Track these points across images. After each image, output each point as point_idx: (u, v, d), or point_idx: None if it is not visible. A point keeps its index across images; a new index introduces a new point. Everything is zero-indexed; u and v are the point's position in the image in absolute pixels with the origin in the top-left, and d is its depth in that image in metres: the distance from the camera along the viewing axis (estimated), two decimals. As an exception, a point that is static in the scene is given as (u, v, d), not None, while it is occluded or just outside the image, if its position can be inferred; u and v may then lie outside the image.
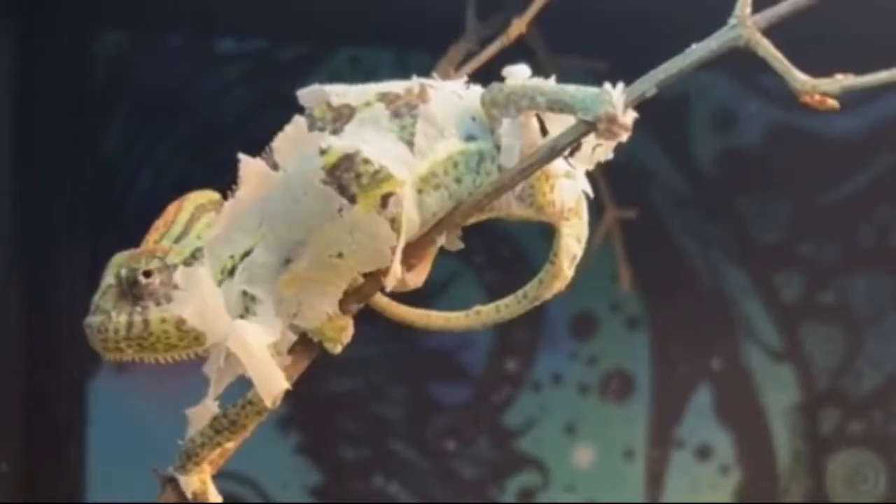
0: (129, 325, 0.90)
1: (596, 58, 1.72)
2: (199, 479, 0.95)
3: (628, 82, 2.15)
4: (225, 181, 2.17)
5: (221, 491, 2.17)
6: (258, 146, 2.20)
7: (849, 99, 2.37)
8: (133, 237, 2.08)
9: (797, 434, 2.18)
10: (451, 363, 2.10)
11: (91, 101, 2.10)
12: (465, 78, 0.96)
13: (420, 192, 0.91)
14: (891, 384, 2.19)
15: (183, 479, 0.94)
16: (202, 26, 2.10)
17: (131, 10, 2.02)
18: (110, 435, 2.09)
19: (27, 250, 2.05)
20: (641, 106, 2.20)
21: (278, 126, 2.26)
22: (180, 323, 0.90)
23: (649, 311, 2.16)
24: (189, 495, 0.94)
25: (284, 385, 0.91)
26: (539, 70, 1.43)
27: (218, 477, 0.97)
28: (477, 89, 0.95)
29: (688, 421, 2.17)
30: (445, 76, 1.27)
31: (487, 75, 1.27)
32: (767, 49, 0.88)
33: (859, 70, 0.86)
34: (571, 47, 1.70)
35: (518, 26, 1.21)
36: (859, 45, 1.81)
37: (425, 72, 2.15)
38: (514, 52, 1.47)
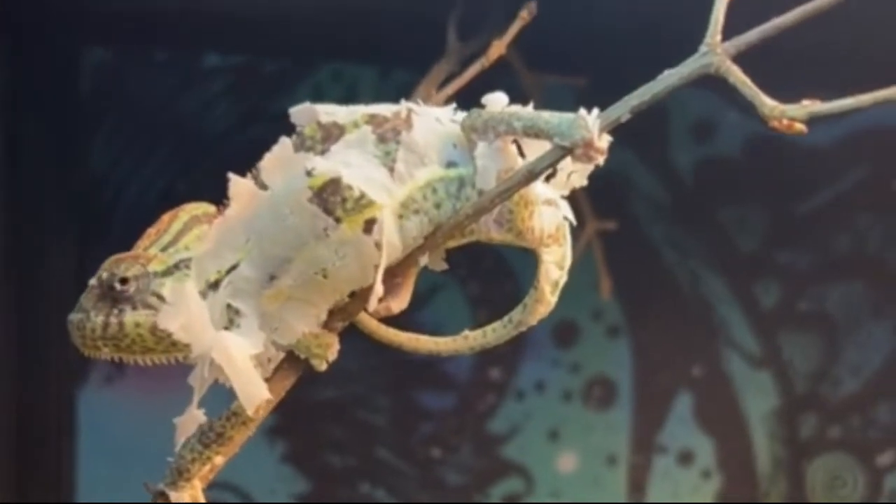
0: (105, 326, 0.93)
1: (575, 75, 1.74)
2: (190, 495, 0.97)
3: (607, 98, 2.18)
4: (211, 192, 2.20)
5: (209, 499, 2.20)
6: (243, 158, 2.22)
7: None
8: (120, 247, 2.10)
9: (776, 439, 2.21)
10: (435, 372, 2.13)
11: (79, 115, 2.12)
12: (454, 105, 0.99)
13: (400, 217, 0.93)
14: (868, 389, 2.22)
15: (174, 495, 0.97)
16: (187, 42, 2.13)
17: (118, 26, 2.04)
18: (100, 445, 2.11)
19: (16, 260, 2.07)
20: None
21: (262, 138, 2.29)
22: (154, 328, 0.92)
23: (630, 320, 2.19)
24: (180, 511, 0.97)
25: (266, 395, 0.94)
26: (519, 88, 1.46)
27: (206, 486, 1.00)
28: (461, 116, 0.97)
29: (669, 427, 2.20)
30: (427, 97, 1.31)
31: (469, 94, 1.30)
32: (737, 75, 0.91)
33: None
34: (551, 65, 1.72)
35: (498, 48, 1.24)
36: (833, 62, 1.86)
37: (407, 87, 2.19)
38: (495, 71, 1.50)
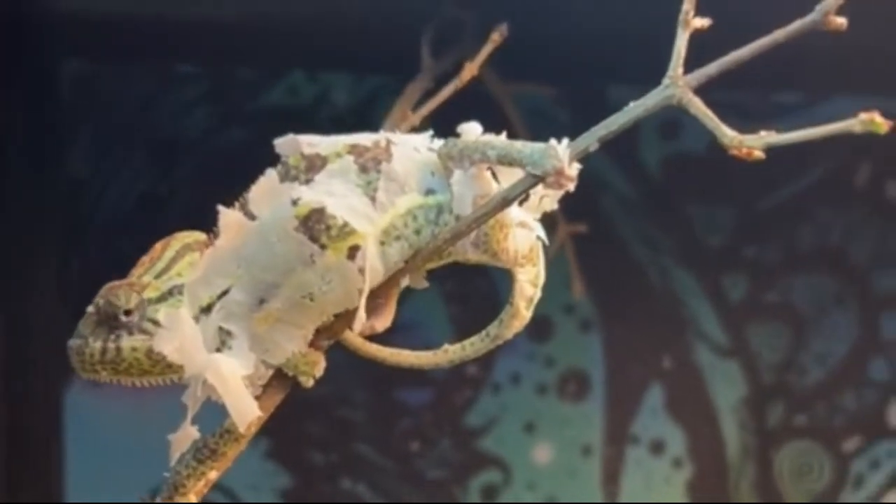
0: (104, 351, 0.98)
1: (544, 84, 1.79)
2: (186, 510, 1.03)
3: (576, 106, 2.26)
4: (188, 195, 2.24)
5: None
6: (219, 161, 2.27)
7: (789, 105, 2.48)
8: (100, 250, 2.15)
9: (745, 428, 2.26)
10: (411, 369, 2.17)
11: (59, 123, 2.16)
12: (431, 132, 1.04)
13: (382, 243, 0.99)
14: (833, 378, 2.28)
15: (170, 511, 1.02)
16: (163, 50, 2.16)
17: (95, 37, 2.07)
18: (87, 445, 2.15)
19: (0, 264, 2.10)
20: (590, 113, 2.28)
21: (239, 141, 2.33)
22: (150, 352, 0.98)
23: (602, 314, 2.24)
24: (176, 526, 1.02)
25: (257, 412, 1.00)
26: (489, 98, 1.51)
27: (200, 500, 1.05)
28: (437, 144, 1.03)
29: (641, 418, 2.25)
30: (403, 117, 1.36)
31: (443, 109, 1.35)
32: (698, 107, 0.97)
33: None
34: (520, 74, 1.77)
35: (470, 70, 1.28)
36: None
37: (379, 91, 2.24)
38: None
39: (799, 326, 2.28)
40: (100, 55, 2.17)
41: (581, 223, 1.94)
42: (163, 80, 2.19)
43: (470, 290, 2.16)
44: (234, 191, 2.26)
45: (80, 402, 2.14)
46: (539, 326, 2.21)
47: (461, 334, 2.18)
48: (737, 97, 2.17)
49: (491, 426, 2.22)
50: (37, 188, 2.14)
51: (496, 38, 1.27)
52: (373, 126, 2.21)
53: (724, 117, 0.96)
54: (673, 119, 2.24)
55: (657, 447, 2.25)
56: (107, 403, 2.13)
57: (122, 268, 2.20)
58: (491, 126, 1.23)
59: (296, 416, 2.12)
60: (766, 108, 2.23)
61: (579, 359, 2.24)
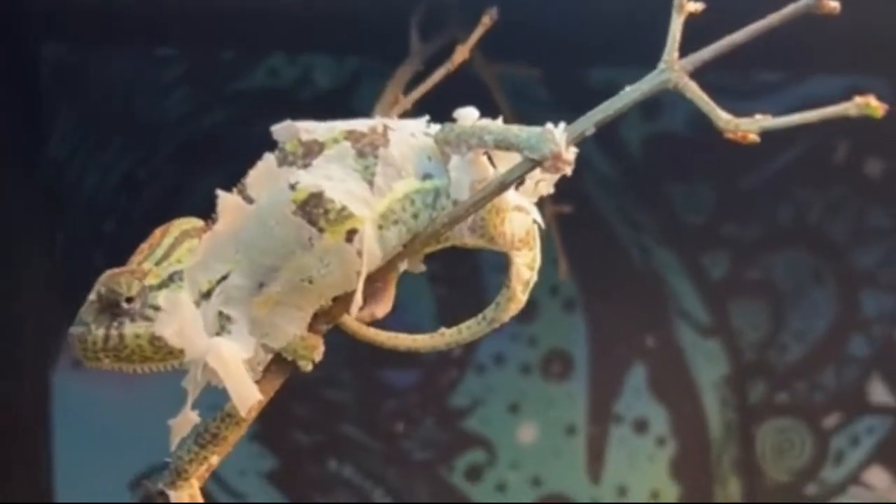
0: (106, 338, 0.98)
1: (530, 65, 1.80)
2: (189, 495, 1.03)
3: (562, 88, 2.26)
4: (169, 177, 2.23)
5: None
6: (200, 143, 2.27)
7: (768, 85, 2.50)
8: (82, 233, 2.14)
9: (727, 405, 2.28)
10: (397, 351, 2.18)
11: (38, 106, 2.16)
12: (427, 117, 1.04)
13: (380, 228, 1.00)
14: (813, 355, 2.29)
15: (173, 495, 1.03)
16: (143, 32, 2.16)
17: (75, 20, 2.06)
18: (75, 427, 2.15)
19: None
20: (572, 94, 2.30)
21: (219, 122, 2.32)
22: (154, 339, 0.98)
23: (585, 294, 2.25)
24: (179, 511, 1.03)
25: (258, 396, 1.01)
26: (477, 77, 1.51)
27: (202, 484, 1.06)
28: (434, 128, 1.03)
29: (625, 397, 2.26)
30: (394, 100, 1.36)
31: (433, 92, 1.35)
32: (694, 91, 0.98)
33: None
34: (507, 55, 1.77)
35: (461, 53, 1.29)
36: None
37: (360, 73, 2.22)
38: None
39: (779, 304, 2.29)
40: (79, 38, 2.16)
41: (564, 204, 1.95)
42: (143, 63, 2.19)
43: (455, 271, 2.17)
44: (214, 173, 2.27)
45: (67, 386, 2.14)
46: (523, 307, 2.21)
47: (446, 315, 2.20)
48: (717, 77, 2.19)
49: (476, 406, 2.24)
50: (18, 172, 2.14)
51: (486, 21, 1.27)
52: (354, 107, 2.23)
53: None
54: (654, 99, 2.24)
55: (641, 426, 2.27)
56: (95, 387, 2.13)
57: (103, 250, 2.21)
58: (477, 108, 1.24)
59: (281, 397, 2.11)
60: (747, 88, 2.24)
61: (563, 339, 2.25)
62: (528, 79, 1.93)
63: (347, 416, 2.21)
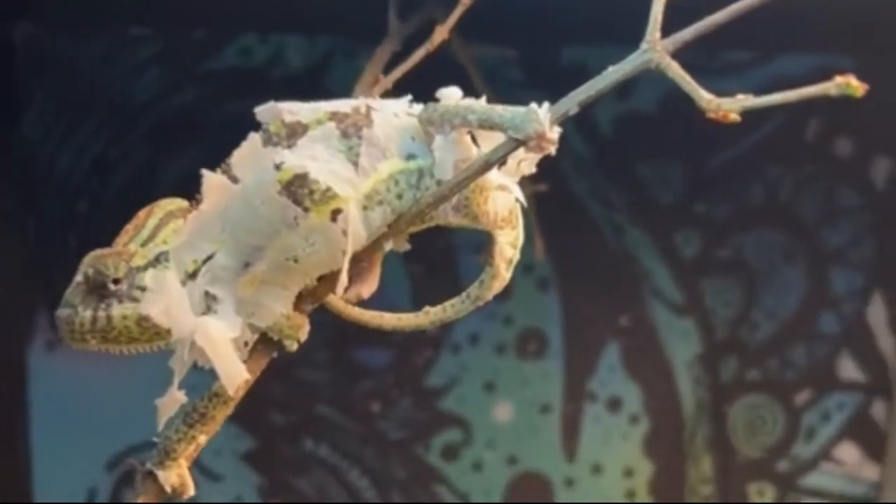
0: (94, 320, 0.99)
1: (506, 46, 1.80)
2: (177, 474, 1.04)
3: (535, 67, 2.26)
4: (141, 157, 2.22)
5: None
6: (173, 122, 2.26)
7: (737, 64, 2.52)
8: (54, 213, 2.13)
9: (700, 383, 2.30)
10: (372, 329, 2.19)
11: (11, 87, 2.14)
12: (409, 97, 1.05)
13: (365, 208, 1.00)
14: (783, 332, 2.31)
15: (161, 475, 1.04)
16: (115, 12, 2.15)
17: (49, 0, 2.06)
18: (53, 412, 2.15)
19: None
20: (546, 74, 2.30)
21: (192, 101, 2.31)
22: (141, 319, 0.99)
23: (559, 273, 2.26)
24: (168, 489, 1.03)
25: (246, 375, 1.02)
26: (453, 58, 1.51)
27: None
28: (417, 108, 1.04)
29: (599, 375, 2.28)
30: (374, 80, 1.37)
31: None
32: (676, 71, 0.99)
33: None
34: (481, 35, 1.77)
35: (441, 33, 1.29)
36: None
37: (332, 52, 2.21)
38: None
39: (750, 282, 2.31)
40: (52, 19, 2.15)
41: (538, 183, 1.96)
42: (115, 43, 2.18)
43: (429, 249, 2.18)
44: (187, 152, 2.26)
45: (43, 367, 2.14)
46: (500, 286, 2.22)
47: (420, 293, 2.20)
48: (687, 56, 2.20)
49: (451, 386, 2.25)
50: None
51: (466, 1, 1.28)
52: (327, 87, 2.22)
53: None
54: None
55: (615, 404, 2.28)
56: (71, 368, 2.13)
57: (77, 230, 2.20)
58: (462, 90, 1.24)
59: (256, 378, 2.12)
60: (716, 67, 2.25)
61: (537, 318, 2.26)
62: (503, 59, 1.93)
63: (323, 396, 2.22)
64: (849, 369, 2.32)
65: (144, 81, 2.19)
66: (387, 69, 1.38)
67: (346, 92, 2.16)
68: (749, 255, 2.31)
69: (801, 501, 2.33)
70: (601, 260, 2.27)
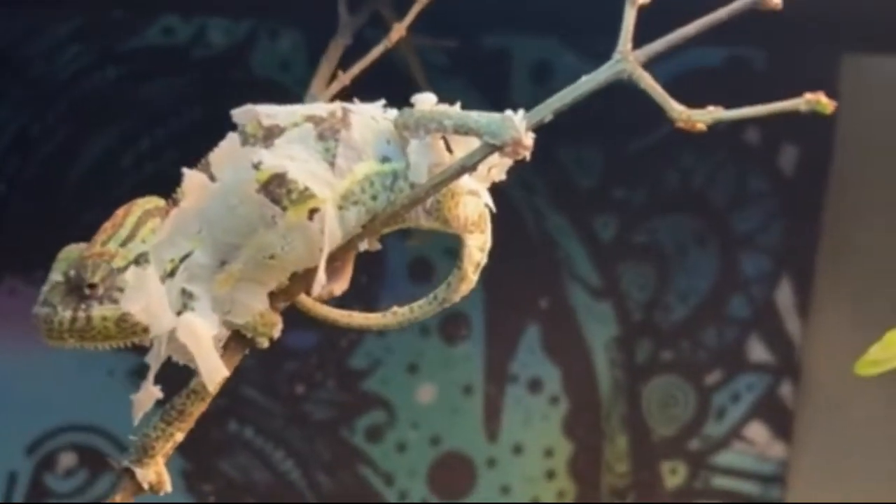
0: (73, 320, 1.00)
1: (447, 37, 1.82)
2: (155, 472, 1.06)
3: (460, 55, 2.26)
4: (61, 135, 2.19)
5: (79, 444, 2.24)
6: (92, 101, 2.23)
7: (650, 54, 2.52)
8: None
9: (616, 364, 2.35)
10: (298, 311, 2.20)
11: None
12: (383, 101, 1.07)
13: (341, 208, 1.03)
14: (695, 315, 2.38)
15: (140, 472, 1.05)
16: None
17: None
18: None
19: None
20: (466, 61, 2.32)
21: (112, 79, 2.28)
22: (120, 319, 1.00)
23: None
24: (146, 487, 1.05)
25: (225, 372, 1.05)
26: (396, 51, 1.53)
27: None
28: (392, 113, 1.06)
29: (520, 357, 2.31)
30: (331, 76, 1.38)
31: (349, 57, 1.37)
32: (648, 81, 1.03)
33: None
34: (423, 27, 1.79)
35: (398, 30, 1.31)
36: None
37: (253, 34, 2.20)
38: (373, 34, 1.57)
39: (664, 266, 2.37)
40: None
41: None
42: (35, 20, 2.14)
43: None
44: (108, 131, 2.23)
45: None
46: (420, 269, 2.25)
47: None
48: (600, 46, 2.24)
49: (375, 368, 2.26)
50: None
51: None
52: (247, 67, 2.21)
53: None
54: (544, 63, 2.28)
55: (535, 385, 2.33)
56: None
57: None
58: (395, 82, 1.25)
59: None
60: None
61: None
62: (432, 47, 1.95)
63: (248, 378, 2.22)
64: (758, 351, 2.40)
65: (65, 59, 2.16)
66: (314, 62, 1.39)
67: (268, 73, 2.18)
68: (663, 239, 2.36)
69: (712, 479, 2.41)
70: (522, 244, 2.31)
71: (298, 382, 2.23)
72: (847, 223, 2.38)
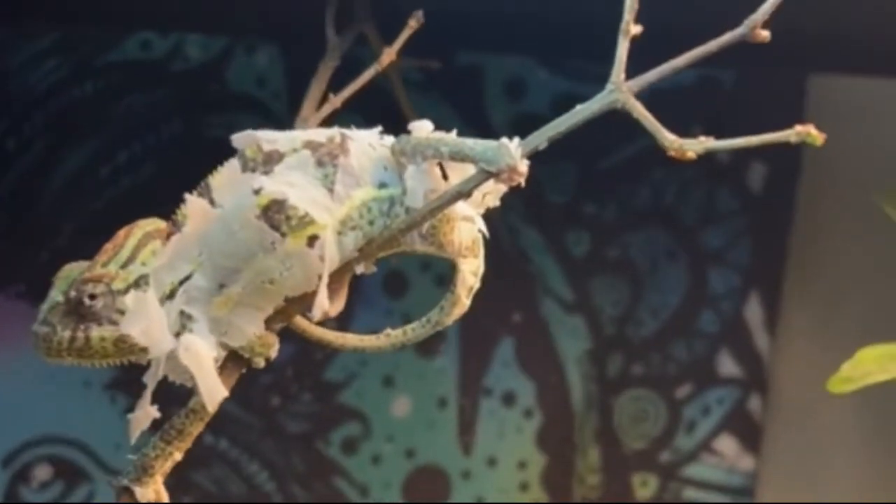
0: (72, 340, 1.02)
1: (421, 54, 1.83)
2: (154, 490, 1.07)
3: (434, 71, 2.27)
4: (38, 148, 2.20)
5: (54, 456, 2.23)
6: (69, 115, 2.23)
7: (629, 73, 2.55)
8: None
9: (588, 378, 2.38)
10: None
11: None
12: (380, 128, 1.10)
13: (339, 233, 1.05)
14: (665, 329, 2.41)
15: (139, 491, 1.07)
16: (12, 4, 2.11)
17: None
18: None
19: None
20: (440, 77, 2.34)
21: (90, 93, 2.28)
22: (119, 340, 1.02)
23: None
24: (144, 506, 1.07)
25: (225, 393, 1.07)
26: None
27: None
28: (388, 139, 1.09)
29: (494, 370, 2.33)
30: (321, 98, 1.40)
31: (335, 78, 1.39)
32: (640, 111, 1.06)
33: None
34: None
35: (389, 55, 1.33)
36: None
37: (227, 52, 2.21)
38: (358, 53, 1.58)
39: (636, 281, 2.39)
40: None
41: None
42: (13, 34, 2.15)
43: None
44: (85, 145, 2.23)
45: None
46: (395, 283, 2.27)
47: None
48: (572, 66, 2.28)
49: (351, 380, 2.27)
50: None
51: (413, 23, 1.32)
52: (224, 82, 2.22)
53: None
54: (517, 79, 2.30)
55: (509, 398, 2.35)
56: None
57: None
58: (378, 103, 1.27)
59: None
60: (602, 75, 2.31)
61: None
62: (415, 72, 1.97)
63: (223, 390, 2.23)
64: (727, 365, 2.44)
65: (42, 73, 2.17)
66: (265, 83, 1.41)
67: (245, 88, 2.19)
68: (635, 254, 2.39)
69: (682, 491, 2.44)
70: (496, 258, 2.30)
71: (274, 394, 2.24)
72: (814, 240, 2.42)
